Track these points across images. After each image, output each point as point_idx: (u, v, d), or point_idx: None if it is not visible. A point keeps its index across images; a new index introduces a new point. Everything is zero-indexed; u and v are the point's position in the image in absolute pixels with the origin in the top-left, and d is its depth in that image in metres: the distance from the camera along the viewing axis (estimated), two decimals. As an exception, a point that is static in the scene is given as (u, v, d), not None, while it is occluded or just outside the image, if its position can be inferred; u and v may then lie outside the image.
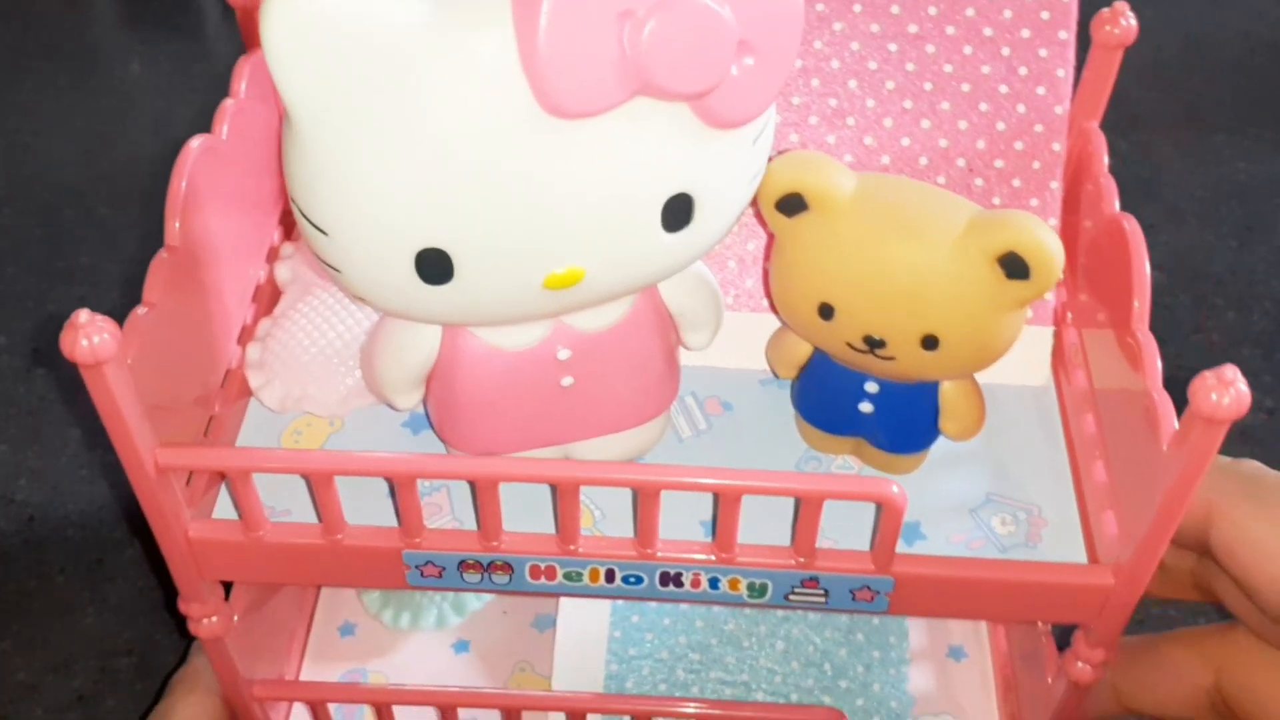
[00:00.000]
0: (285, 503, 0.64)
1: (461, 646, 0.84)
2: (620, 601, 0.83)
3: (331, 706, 0.77)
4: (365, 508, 0.62)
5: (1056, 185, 0.67)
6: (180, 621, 0.67)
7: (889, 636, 0.82)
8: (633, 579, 0.61)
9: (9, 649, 0.88)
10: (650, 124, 0.50)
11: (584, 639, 0.82)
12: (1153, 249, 1.08)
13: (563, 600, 0.83)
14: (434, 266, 0.51)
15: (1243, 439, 1.01)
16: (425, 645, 0.84)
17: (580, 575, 0.61)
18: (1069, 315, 0.69)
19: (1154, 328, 0.57)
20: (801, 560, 0.59)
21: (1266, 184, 1.25)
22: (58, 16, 1.46)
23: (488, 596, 0.85)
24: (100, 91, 1.36)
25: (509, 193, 0.49)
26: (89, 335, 0.51)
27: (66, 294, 1.10)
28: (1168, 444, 0.53)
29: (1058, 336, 0.69)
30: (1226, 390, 0.49)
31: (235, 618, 0.67)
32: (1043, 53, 0.66)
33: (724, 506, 0.57)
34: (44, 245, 1.17)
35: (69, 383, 0.99)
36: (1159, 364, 0.56)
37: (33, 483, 0.98)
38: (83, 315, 0.51)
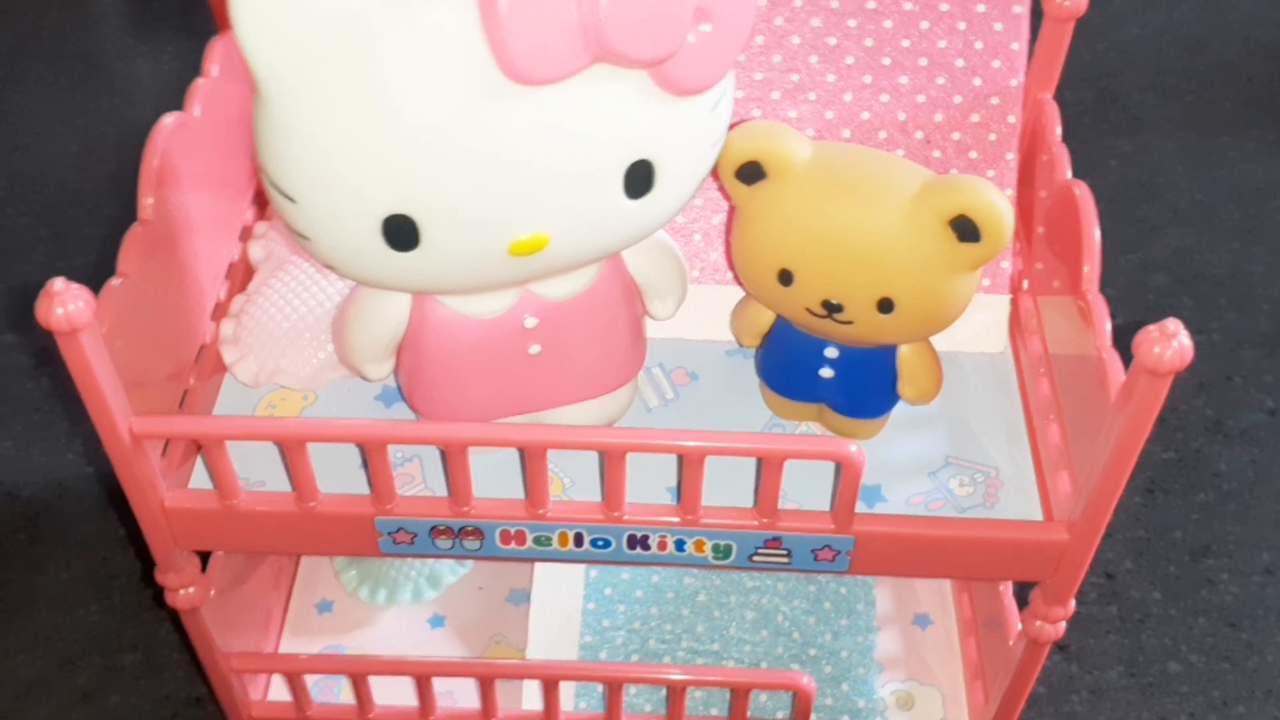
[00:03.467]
0: (260, 474, 0.65)
1: (437, 621, 0.85)
2: (594, 574, 0.85)
3: (309, 680, 0.78)
4: (339, 480, 0.64)
5: (1012, 156, 0.69)
6: (157, 593, 0.68)
7: (856, 604, 0.84)
8: (601, 542, 0.62)
9: (14, 646, 0.89)
10: (610, 91, 0.51)
11: (558, 611, 0.83)
12: (1154, 250, 1.10)
13: (537, 574, 0.84)
14: (400, 232, 0.52)
15: (1244, 439, 1.02)
16: (402, 620, 0.85)
17: (549, 539, 0.62)
18: (1025, 283, 0.70)
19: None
20: (764, 521, 0.61)
21: (1268, 186, 1.26)
22: (62, 17, 1.46)
23: (463, 570, 0.86)
24: (104, 92, 1.36)
25: (472, 158, 0.51)
26: (64, 303, 0.52)
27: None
28: (1114, 398, 0.54)
29: (1014, 304, 0.70)
30: (1169, 343, 0.50)
31: (212, 591, 0.69)
32: (998, 26, 0.68)
33: (688, 468, 0.58)
34: (50, 245, 1.17)
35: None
36: (1108, 324, 0.58)
37: (39, 479, 0.99)
38: (58, 283, 0.52)
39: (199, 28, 0.69)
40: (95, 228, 1.17)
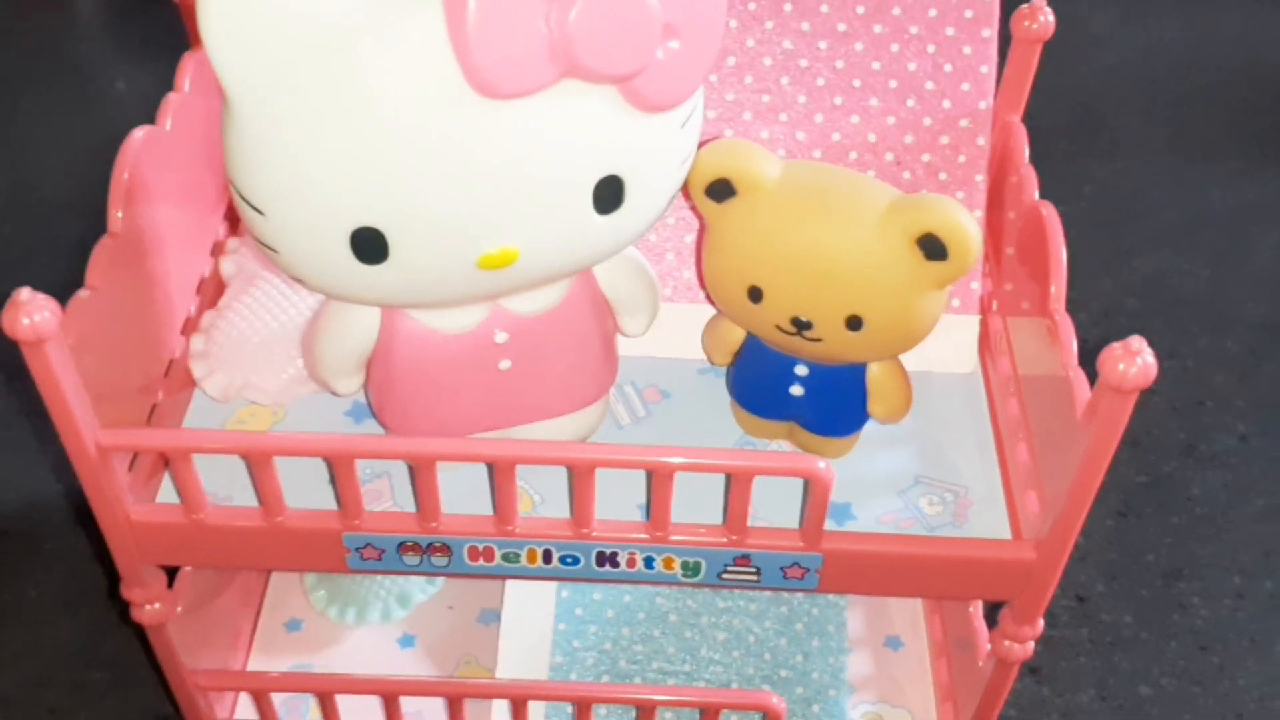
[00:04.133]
0: (228, 489, 0.65)
1: (407, 641, 0.85)
2: (565, 594, 0.84)
3: (277, 701, 0.78)
4: (309, 497, 0.63)
5: (981, 178, 0.69)
6: (123, 609, 0.67)
7: (828, 626, 0.84)
8: (570, 559, 0.62)
9: (-17, 662, 0.88)
10: (579, 106, 0.51)
11: (529, 631, 0.83)
12: (1130, 273, 1.11)
13: (508, 594, 0.84)
14: (369, 245, 0.52)
15: (1216, 463, 1.03)
16: (371, 640, 0.85)
17: (518, 556, 0.62)
18: (995, 304, 0.71)
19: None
20: (733, 538, 0.61)
21: (1247, 209, 1.27)
22: (51, 35, 1.46)
23: (433, 589, 0.86)
24: (95, 106, 1.36)
25: (441, 172, 0.51)
26: (30, 313, 0.52)
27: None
28: (1080, 416, 0.54)
29: (984, 325, 0.71)
30: (1133, 360, 0.51)
31: (179, 608, 0.68)
32: (967, 50, 0.69)
33: (657, 484, 0.58)
34: (40, 258, 1.16)
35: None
36: (1074, 343, 0.58)
37: (10, 495, 0.98)
38: (24, 293, 0.52)
39: (182, 46, 0.69)
40: (82, 241, 1.16)
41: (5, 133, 1.34)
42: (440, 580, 0.86)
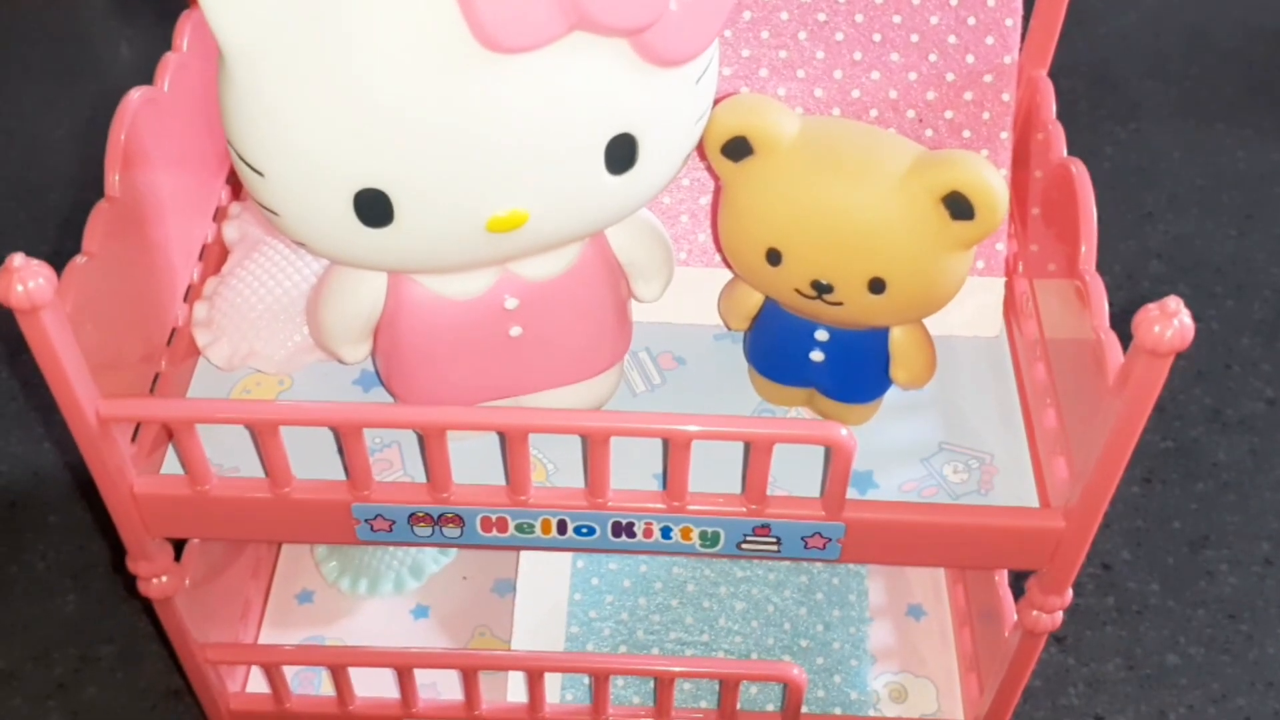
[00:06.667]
0: (235, 460, 0.63)
1: (421, 612, 0.84)
2: (581, 564, 0.83)
3: (289, 672, 0.76)
4: (319, 467, 0.62)
5: (1006, 135, 0.67)
6: (130, 582, 0.66)
7: (849, 595, 0.82)
8: (585, 530, 0.61)
9: (-12, 636, 0.87)
10: (590, 61, 0.49)
11: (544, 602, 0.81)
12: (1152, 237, 1.09)
13: (523, 564, 0.83)
14: (373, 208, 0.51)
15: (1243, 428, 1.01)
16: (384, 611, 0.83)
17: (532, 527, 0.61)
18: (1020, 266, 0.69)
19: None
20: (753, 508, 0.59)
21: (1266, 172, 1.24)
22: (46, 2, 1.44)
23: (446, 560, 0.85)
24: (90, 76, 1.34)
25: (446, 130, 0.49)
26: (24, 280, 0.50)
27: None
28: (1113, 381, 0.53)
29: (1009, 287, 0.69)
30: (1170, 322, 0.49)
31: (187, 580, 0.67)
32: (991, 2, 0.66)
33: (674, 453, 0.57)
34: (30, 229, 1.15)
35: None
36: (1106, 305, 0.56)
37: (15, 468, 0.97)
38: (17, 259, 0.50)
39: (179, 11, 0.67)
40: (80, 213, 1.14)
41: (4, 99, 1.32)
42: (454, 550, 0.85)
